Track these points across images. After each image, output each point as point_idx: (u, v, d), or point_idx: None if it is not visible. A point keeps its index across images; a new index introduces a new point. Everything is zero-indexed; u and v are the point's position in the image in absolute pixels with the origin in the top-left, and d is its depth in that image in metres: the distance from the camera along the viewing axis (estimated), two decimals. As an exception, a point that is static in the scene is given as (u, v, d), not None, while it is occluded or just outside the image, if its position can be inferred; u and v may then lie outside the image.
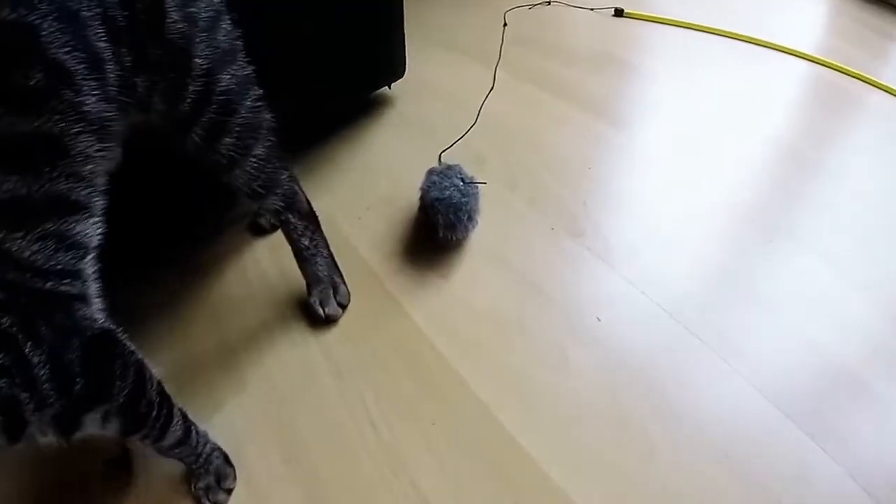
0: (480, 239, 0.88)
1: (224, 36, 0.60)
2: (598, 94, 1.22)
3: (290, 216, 0.76)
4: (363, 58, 1.10)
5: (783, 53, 1.33)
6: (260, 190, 0.70)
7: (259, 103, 0.66)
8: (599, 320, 0.77)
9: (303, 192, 0.78)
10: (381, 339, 0.78)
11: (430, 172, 0.88)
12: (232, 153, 0.65)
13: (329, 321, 0.79)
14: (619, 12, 1.48)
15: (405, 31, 1.13)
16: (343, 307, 0.80)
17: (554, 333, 0.77)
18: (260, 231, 0.95)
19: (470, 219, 0.81)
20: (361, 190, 1.01)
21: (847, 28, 1.43)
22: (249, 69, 0.64)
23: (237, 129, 0.64)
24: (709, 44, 1.38)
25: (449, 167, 0.90)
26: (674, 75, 1.26)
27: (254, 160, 0.67)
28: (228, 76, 0.61)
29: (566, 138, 1.10)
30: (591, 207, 0.94)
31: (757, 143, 1.08)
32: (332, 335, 0.79)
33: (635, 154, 1.09)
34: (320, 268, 0.79)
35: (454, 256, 0.87)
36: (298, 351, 0.78)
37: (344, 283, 0.81)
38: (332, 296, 0.80)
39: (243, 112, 0.64)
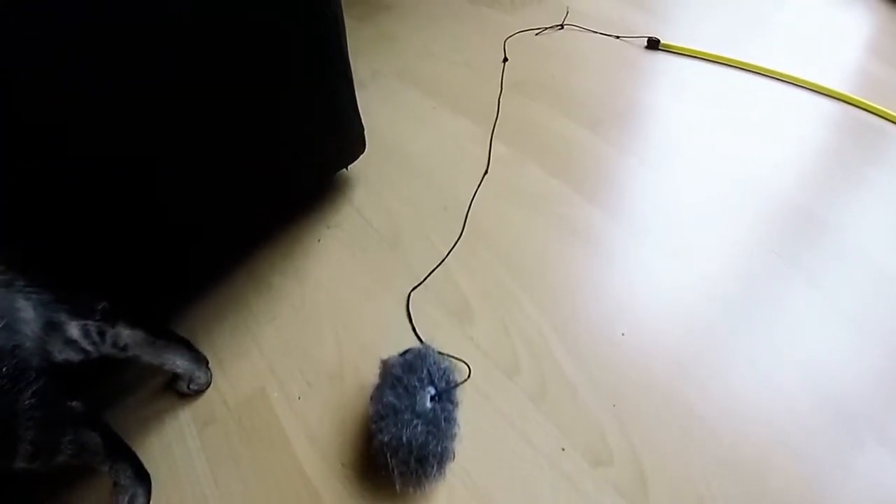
0: (461, 461, 0.58)
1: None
2: (630, 186, 0.89)
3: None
4: (303, 151, 0.79)
5: (824, 95, 1.02)
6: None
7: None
8: None
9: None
10: None
11: (386, 373, 0.58)
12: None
13: None
14: (653, 44, 1.15)
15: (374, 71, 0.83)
16: None
17: None
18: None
19: (441, 463, 0.52)
20: (301, 352, 0.71)
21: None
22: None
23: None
24: (749, 83, 1.06)
25: (417, 357, 0.58)
26: (733, 154, 0.93)
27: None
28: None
29: (591, 271, 0.76)
30: (626, 419, 0.61)
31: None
32: None
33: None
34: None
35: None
36: None
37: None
38: None
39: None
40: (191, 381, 0.65)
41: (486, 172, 0.90)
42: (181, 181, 0.64)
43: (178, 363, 0.62)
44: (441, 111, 1.04)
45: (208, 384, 0.67)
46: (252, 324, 0.74)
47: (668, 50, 1.14)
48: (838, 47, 1.18)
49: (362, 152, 0.90)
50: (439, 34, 1.29)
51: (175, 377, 0.66)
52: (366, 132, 0.87)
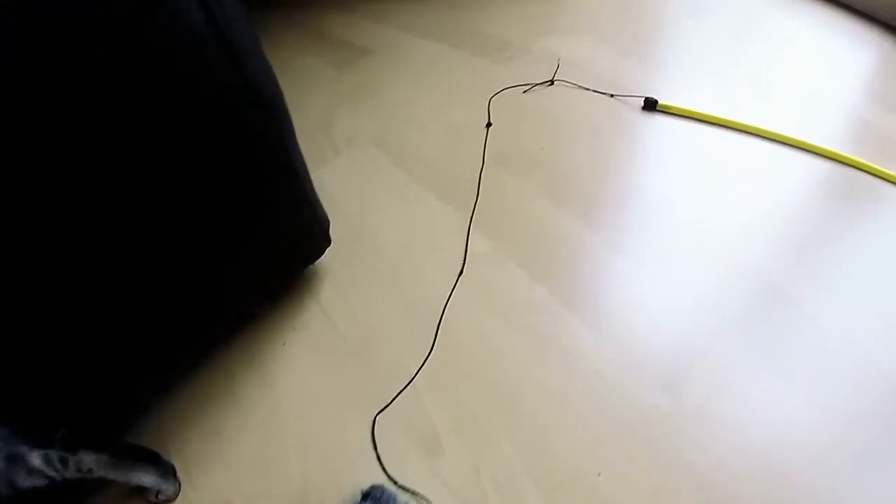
0: None
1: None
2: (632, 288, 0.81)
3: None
4: (258, 258, 0.72)
5: (833, 160, 0.92)
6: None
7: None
8: None
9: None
10: None
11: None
12: None
13: None
14: (650, 104, 1.05)
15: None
16: None
17: None
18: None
19: None
20: (266, 472, 0.64)
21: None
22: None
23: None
24: (751, 148, 0.96)
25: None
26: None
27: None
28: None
29: (572, 403, 0.68)
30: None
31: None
32: None
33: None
34: None
35: None
36: None
37: None
38: None
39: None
40: (158, 493, 0.64)
41: (461, 273, 0.82)
42: (133, 297, 0.58)
43: (145, 479, 0.61)
44: (417, 190, 0.95)
45: (176, 495, 0.64)
46: (218, 433, 0.69)
47: (667, 111, 1.04)
48: (843, 99, 1.08)
49: (327, 246, 0.83)
50: (421, 88, 1.21)
51: (142, 488, 0.64)
52: (336, 215, 0.82)
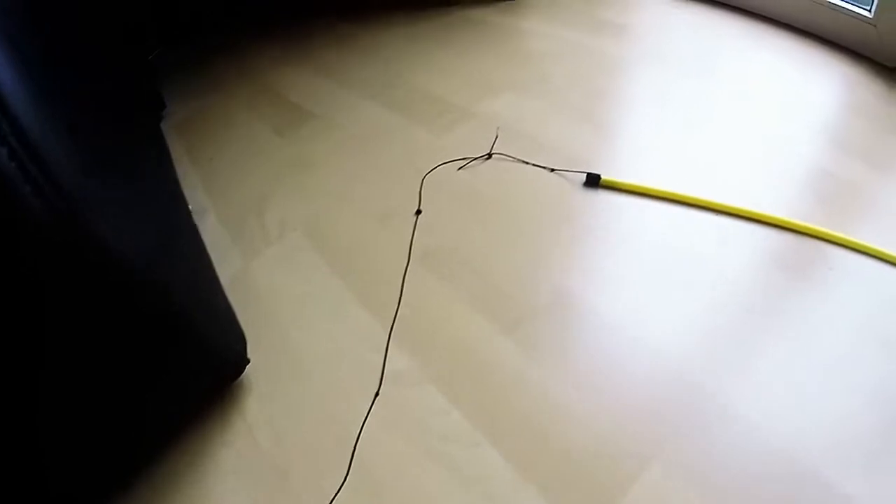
0: None
1: None
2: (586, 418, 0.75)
3: None
4: (170, 388, 0.67)
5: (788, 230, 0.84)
6: None
7: None
8: None
9: None
10: None
11: None
12: None
13: None
14: (592, 180, 0.99)
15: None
16: None
17: None
18: None
19: None
20: None
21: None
22: None
23: None
24: (704, 224, 0.89)
25: None
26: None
27: None
28: None
29: None
30: None
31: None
32: None
33: None
34: None
35: None
36: None
37: None
38: None
39: None
40: None
41: (377, 393, 0.76)
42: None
43: None
44: (342, 292, 0.90)
45: None
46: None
47: (610, 187, 0.98)
48: (803, 149, 1.01)
49: (247, 364, 0.78)
50: (360, 162, 1.15)
51: None
52: (263, 321, 0.83)
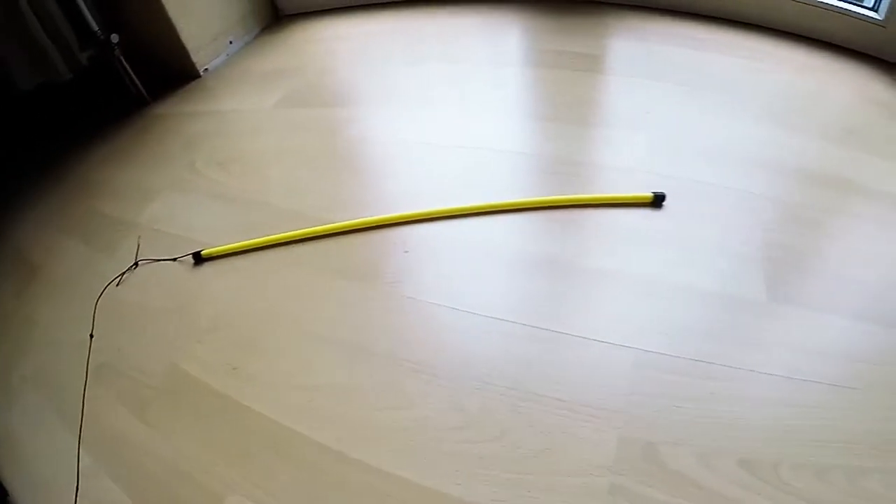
0: None
1: None
2: None
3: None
4: None
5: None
6: None
7: None
8: None
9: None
10: None
11: None
12: None
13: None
14: (197, 258, 1.29)
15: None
16: None
17: None
18: None
19: None
20: None
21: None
22: None
23: None
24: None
25: None
26: None
27: None
28: None
29: None
30: None
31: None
32: None
33: None
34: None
35: None
36: None
37: None
38: None
39: None
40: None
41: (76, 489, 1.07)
42: None
43: None
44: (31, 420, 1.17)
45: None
46: None
47: (211, 257, 1.28)
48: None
49: None
50: (66, 308, 1.35)
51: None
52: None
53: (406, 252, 1.20)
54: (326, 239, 1.26)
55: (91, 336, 1.27)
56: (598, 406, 0.92)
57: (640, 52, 1.69)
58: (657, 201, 1.23)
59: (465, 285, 1.12)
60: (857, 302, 1.01)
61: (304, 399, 1.01)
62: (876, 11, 1.53)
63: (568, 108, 1.52)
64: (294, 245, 1.25)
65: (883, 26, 1.51)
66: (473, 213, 1.25)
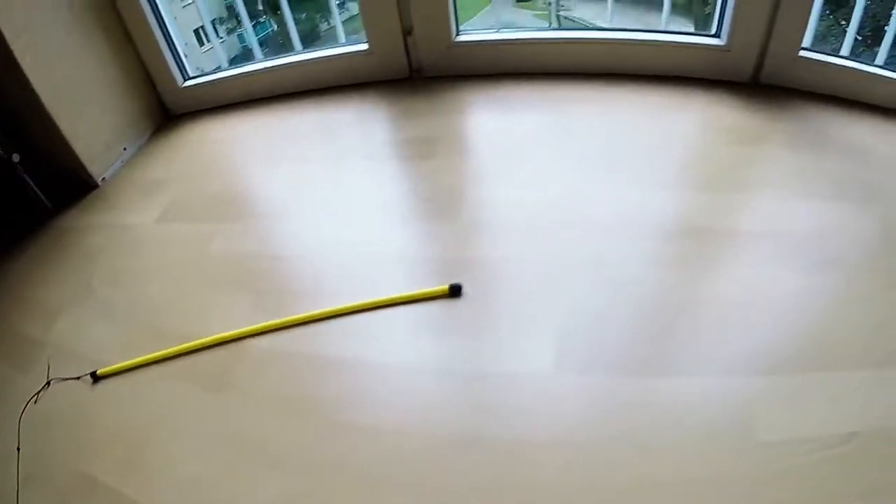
0: None
1: None
2: None
3: None
4: None
5: None
6: None
7: None
8: None
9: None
10: None
11: None
12: None
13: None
14: (94, 377, 1.60)
15: None
16: None
17: None
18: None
19: None
20: None
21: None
22: None
23: None
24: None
25: None
26: None
27: None
28: None
29: None
30: None
31: None
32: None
33: None
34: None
35: None
36: None
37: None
38: None
39: None
40: None
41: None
42: None
43: None
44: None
45: None
46: None
47: (108, 375, 1.61)
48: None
49: None
50: None
51: None
52: None
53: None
54: (199, 352, 1.60)
55: (18, 449, 1.58)
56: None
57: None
58: (454, 292, 1.52)
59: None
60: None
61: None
62: (718, 37, 1.64)
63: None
64: (172, 361, 1.59)
65: (727, 50, 1.61)
66: (308, 321, 1.61)
